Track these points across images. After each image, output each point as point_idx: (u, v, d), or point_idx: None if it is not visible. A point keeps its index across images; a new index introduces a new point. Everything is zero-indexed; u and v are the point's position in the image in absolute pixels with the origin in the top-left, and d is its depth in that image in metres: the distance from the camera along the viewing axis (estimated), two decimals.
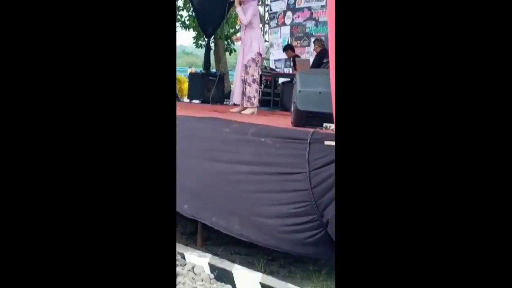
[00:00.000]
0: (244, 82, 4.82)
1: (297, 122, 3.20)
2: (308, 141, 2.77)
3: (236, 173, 2.96)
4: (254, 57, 4.77)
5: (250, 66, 4.78)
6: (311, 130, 2.86)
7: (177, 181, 3.21)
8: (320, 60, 6.63)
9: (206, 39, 8.72)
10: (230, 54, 12.40)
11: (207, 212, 3.13)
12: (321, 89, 3.03)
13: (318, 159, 2.76)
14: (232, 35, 12.00)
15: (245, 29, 4.89)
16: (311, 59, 7.17)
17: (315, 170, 2.75)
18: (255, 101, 4.85)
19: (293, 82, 6.69)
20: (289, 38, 8.87)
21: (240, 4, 4.84)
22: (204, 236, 3.42)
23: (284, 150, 2.88)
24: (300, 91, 3.11)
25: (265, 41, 8.60)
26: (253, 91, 4.81)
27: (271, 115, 5.22)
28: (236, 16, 9.77)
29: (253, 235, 2.95)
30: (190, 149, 3.19)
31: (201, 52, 13.00)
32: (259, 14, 5.14)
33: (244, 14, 4.83)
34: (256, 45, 4.77)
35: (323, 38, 7.50)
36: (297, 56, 7.57)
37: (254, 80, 4.80)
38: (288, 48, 7.79)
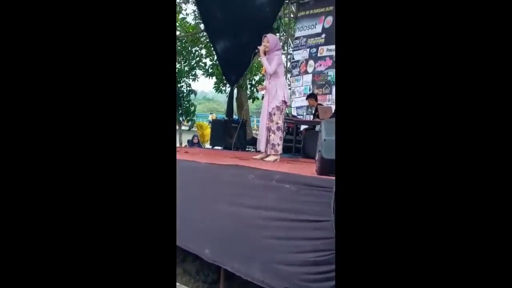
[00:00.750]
0: (269, 129, 4.90)
1: (322, 170, 3.22)
2: (334, 190, 2.72)
3: (259, 219, 2.97)
4: (279, 105, 4.87)
5: (274, 114, 4.87)
6: None
7: (199, 225, 3.23)
8: None
9: (229, 87, 8.92)
10: (253, 102, 12.66)
11: (228, 257, 3.12)
12: None
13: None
14: (256, 84, 12.28)
15: (270, 78, 5.01)
16: (333, 107, 7.24)
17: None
18: (279, 149, 4.91)
19: (316, 129, 6.80)
20: (311, 86, 9.01)
21: (265, 53, 4.98)
22: (227, 285, 3.39)
23: (309, 198, 2.89)
24: (325, 139, 3.15)
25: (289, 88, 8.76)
26: (277, 138, 4.88)
27: (294, 162, 5.24)
28: (259, 65, 10.01)
29: (275, 283, 2.91)
30: (213, 194, 3.23)
31: (222, 97, 13.25)
32: (283, 63, 5.25)
33: (269, 63, 4.97)
34: (281, 93, 4.87)
35: None
36: (320, 104, 7.65)
37: (278, 128, 4.89)
38: (311, 96, 7.90)
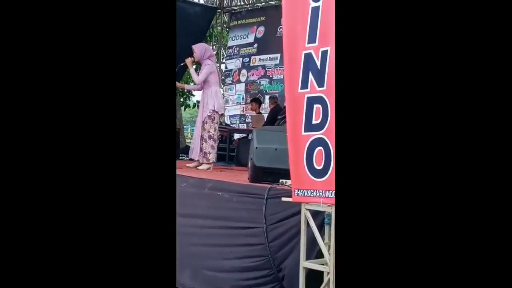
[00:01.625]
0: (201, 138, 4.94)
1: (254, 178, 3.28)
2: (265, 197, 2.83)
3: (191, 227, 2.98)
4: (209, 114, 4.92)
5: (206, 123, 4.92)
6: (268, 186, 2.93)
7: None
8: (273, 117, 6.81)
9: None
10: (184, 109, 12.53)
11: None
12: (277, 145, 3.12)
13: (274, 214, 2.82)
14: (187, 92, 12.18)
15: (203, 87, 5.06)
16: (265, 116, 7.37)
17: (272, 225, 2.80)
18: (211, 157, 4.94)
19: (249, 138, 6.86)
20: (244, 95, 9.12)
21: (196, 63, 5.03)
22: None
23: (241, 205, 2.94)
24: (257, 147, 3.21)
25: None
26: (208, 147, 4.92)
27: (227, 170, 5.28)
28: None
29: None
30: None
31: None
32: (218, 72, 5.29)
33: (198, 73, 5.03)
34: (211, 103, 4.92)
35: (276, 95, 7.76)
36: (260, 113, 7.72)
37: (210, 136, 4.93)
38: (256, 102, 7.90)
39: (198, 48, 5.13)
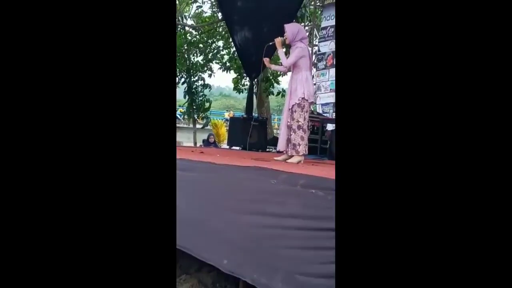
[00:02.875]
0: (290, 128, 4.93)
1: None
2: None
3: (282, 227, 2.97)
4: (298, 102, 4.88)
5: (295, 111, 4.89)
6: None
7: (216, 234, 3.23)
8: None
9: (249, 81, 8.93)
10: (268, 95, 12.56)
11: (248, 268, 3.11)
12: None
13: None
14: (275, 77, 12.24)
15: (292, 72, 5.02)
16: None
17: None
18: (301, 149, 4.91)
19: None
20: None
21: (285, 46, 4.98)
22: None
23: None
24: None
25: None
26: (298, 138, 4.89)
27: (319, 164, 5.24)
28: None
29: None
30: (232, 200, 3.23)
31: (240, 94, 13.24)
32: (310, 56, 5.22)
33: (287, 56, 4.98)
34: (300, 90, 4.87)
35: None
36: None
37: (299, 127, 4.89)
38: None
39: (290, 28, 5.05)
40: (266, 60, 5.25)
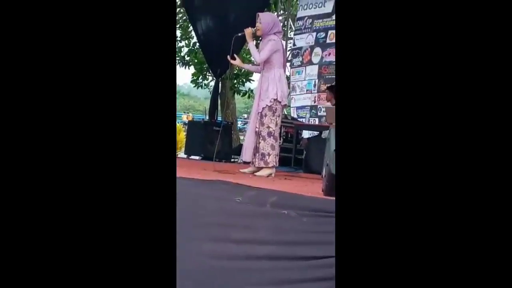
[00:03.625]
0: (258, 134, 4.87)
1: (330, 190, 3.19)
2: None
3: (249, 258, 2.92)
4: (270, 104, 4.83)
5: (265, 115, 4.84)
6: None
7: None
8: None
9: (213, 78, 8.85)
10: (233, 95, 12.43)
11: None
12: None
13: None
14: (244, 74, 12.14)
15: (263, 69, 4.97)
16: None
17: None
18: (271, 160, 4.86)
19: (323, 137, 6.76)
20: (317, 80, 8.99)
21: (255, 38, 4.93)
22: None
23: (313, 227, 2.86)
24: (335, 150, 3.05)
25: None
26: (268, 146, 4.84)
27: (294, 178, 5.23)
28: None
29: None
30: (189, 225, 3.15)
31: (200, 92, 13.10)
32: (284, 51, 5.18)
33: (259, 50, 4.93)
34: (273, 90, 4.83)
35: None
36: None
37: (269, 133, 4.84)
38: (331, 89, 7.71)
39: (266, 18, 5.01)
40: (233, 60, 5.14)
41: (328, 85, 8.11)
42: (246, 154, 5.03)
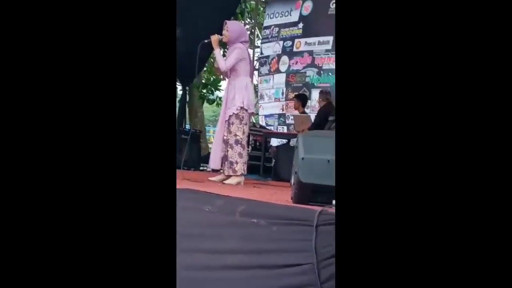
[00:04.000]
0: (226, 143, 4.85)
1: (299, 198, 3.20)
2: (315, 224, 2.74)
3: (219, 268, 2.89)
4: (237, 112, 4.81)
5: (233, 124, 4.82)
6: (318, 208, 2.83)
7: None
8: (324, 118, 6.68)
9: (181, 87, 8.82)
10: (202, 103, 12.36)
11: None
12: (330, 156, 3.03)
13: (328, 246, 2.70)
14: (213, 82, 12.07)
15: (229, 77, 4.97)
16: (313, 116, 7.22)
17: (325, 261, 2.69)
18: (238, 168, 4.84)
19: (291, 145, 6.76)
20: (284, 89, 9.02)
21: (222, 46, 4.92)
22: None
23: (282, 235, 2.84)
24: (303, 158, 3.13)
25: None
26: (235, 155, 4.82)
27: (263, 186, 5.22)
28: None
29: None
30: None
31: None
32: (250, 59, 5.18)
33: (225, 58, 4.92)
34: (239, 98, 4.82)
35: (328, 89, 7.57)
36: (305, 113, 7.55)
37: (237, 141, 4.83)
38: (300, 99, 7.68)
39: (233, 26, 5.01)
40: (214, 38, 5.01)
41: (296, 93, 8.15)
42: (213, 162, 5.02)
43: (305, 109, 7.57)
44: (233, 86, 4.88)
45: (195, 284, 2.99)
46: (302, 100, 7.63)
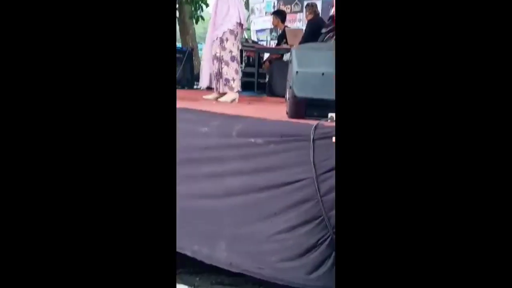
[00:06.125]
0: (220, 60, 4.76)
1: (294, 113, 3.19)
2: (312, 138, 2.76)
3: (220, 188, 2.90)
4: (232, 28, 4.70)
5: (227, 40, 4.71)
6: (314, 122, 2.85)
7: None
8: (313, 31, 6.53)
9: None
10: (196, 22, 12.14)
11: (186, 240, 3.04)
12: (324, 69, 3.02)
13: (326, 160, 2.75)
14: None
15: None
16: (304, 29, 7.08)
17: (323, 175, 2.74)
18: (236, 85, 4.79)
19: (285, 59, 6.66)
20: (276, 2, 8.80)
21: None
22: (176, 262, 3.36)
23: (280, 152, 2.86)
24: (297, 72, 3.08)
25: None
26: (232, 71, 4.76)
27: (258, 102, 5.18)
28: None
29: (244, 264, 2.91)
30: None
31: None
32: None
33: None
34: (235, 13, 4.69)
35: (315, 2, 7.38)
36: (287, 26, 7.44)
37: (233, 58, 4.74)
38: (278, 15, 7.60)
39: None
40: None
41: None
42: (204, 80, 4.97)
43: (287, 25, 7.47)
44: (226, 1, 4.72)
45: (198, 204, 3.02)
46: (280, 16, 7.51)
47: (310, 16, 6.98)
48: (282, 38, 7.25)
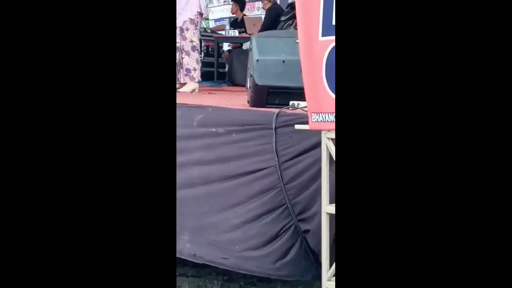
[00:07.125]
0: (181, 50, 4.71)
1: (256, 101, 3.16)
2: (274, 126, 2.75)
3: (182, 179, 2.87)
4: (193, 17, 4.67)
5: (187, 30, 4.67)
6: (276, 110, 2.83)
7: None
8: (273, 19, 6.53)
9: None
10: None
11: None
12: (285, 56, 3.02)
13: (288, 147, 2.73)
14: None
15: None
16: (263, 17, 7.06)
17: (286, 162, 2.72)
18: (196, 75, 4.78)
19: (244, 48, 6.63)
20: None
21: None
22: None
23: (242, 141, 2.85)
24: (258, 60, 3.07)
25: None
26: (193, 61, 4.72)
27: (218, 92, 5.17)
28: None
29: (208, 255, 2.88)
30: None
31: None
32: None
33: None
34: (195, 2, 4.66)
35: None
36: (245, 15, 7.42)
37: (194, 47, 4.72)
38: (237, 2, 7.55)
39: None
40: None
41: None
42: None
43: (246, 13, 7.44)
44: None
45: None
46: (239, 3, 7.46)
47: (268, 5, 6.98)
48: (240, 25, 7.22)
